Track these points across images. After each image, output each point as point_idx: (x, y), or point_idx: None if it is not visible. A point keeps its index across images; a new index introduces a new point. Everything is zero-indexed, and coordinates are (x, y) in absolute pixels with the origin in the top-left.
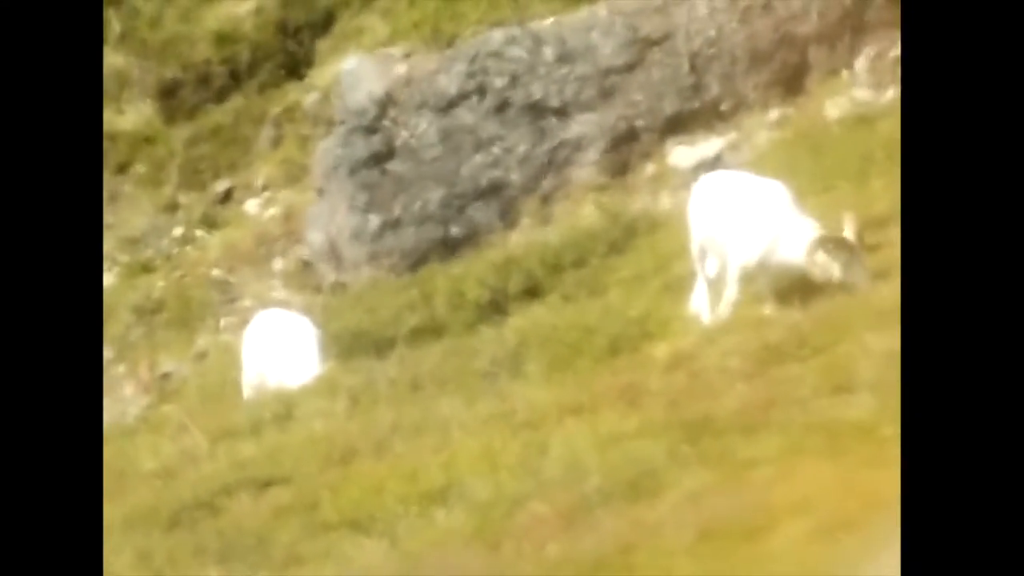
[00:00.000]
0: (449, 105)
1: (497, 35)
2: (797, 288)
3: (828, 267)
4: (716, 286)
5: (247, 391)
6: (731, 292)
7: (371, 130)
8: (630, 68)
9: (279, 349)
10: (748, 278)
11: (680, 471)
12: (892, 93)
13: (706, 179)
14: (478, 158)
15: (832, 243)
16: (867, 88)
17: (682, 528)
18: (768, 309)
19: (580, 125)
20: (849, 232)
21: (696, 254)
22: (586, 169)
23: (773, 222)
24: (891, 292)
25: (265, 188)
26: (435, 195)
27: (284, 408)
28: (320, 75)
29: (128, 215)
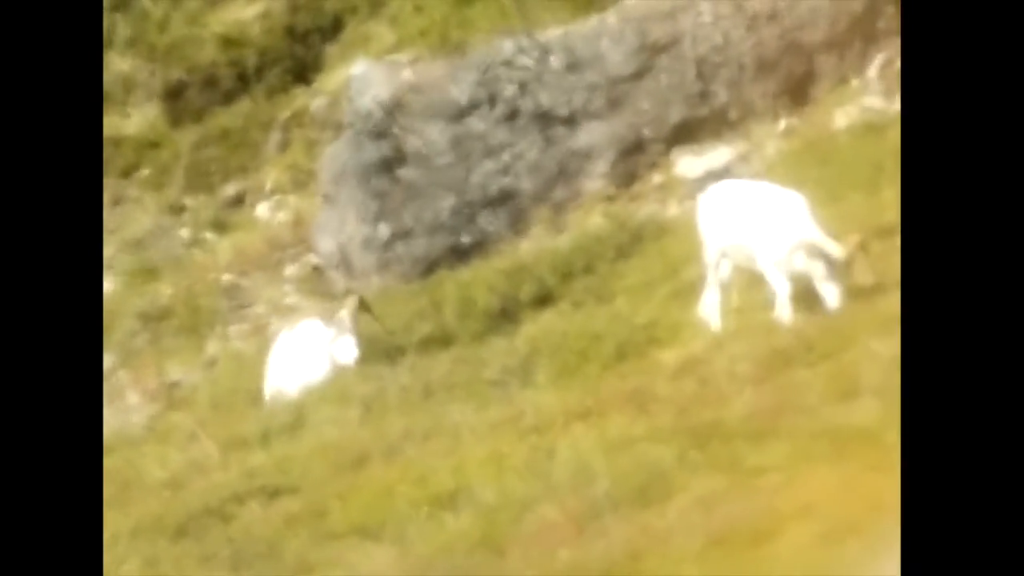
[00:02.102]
0: (459, 113)
1: (507, 44)
2: (804, 295)
3: (806, 275)
4: (727, 291)
5: (268, 395)
6: (781, 289)
7: (379, 135)
8: (638, 76)
9: (300, 360)
10: (788, 273)
11: (688, 476)
12: None
13: (716, 188)
14: (488, 165)
15: (815, 252)
16: (877, 96)
17: (691, 533)
18: (776, 315)
19: (588, 134)
20: (843, 250)
21: (712, 260)
22: (595, 178)
23: (781, 220)
24: (898, 299)
25: (273, 192)
26: (446, 204)
27: (295, 416)
28: (328, 80)
29: (133, 219)
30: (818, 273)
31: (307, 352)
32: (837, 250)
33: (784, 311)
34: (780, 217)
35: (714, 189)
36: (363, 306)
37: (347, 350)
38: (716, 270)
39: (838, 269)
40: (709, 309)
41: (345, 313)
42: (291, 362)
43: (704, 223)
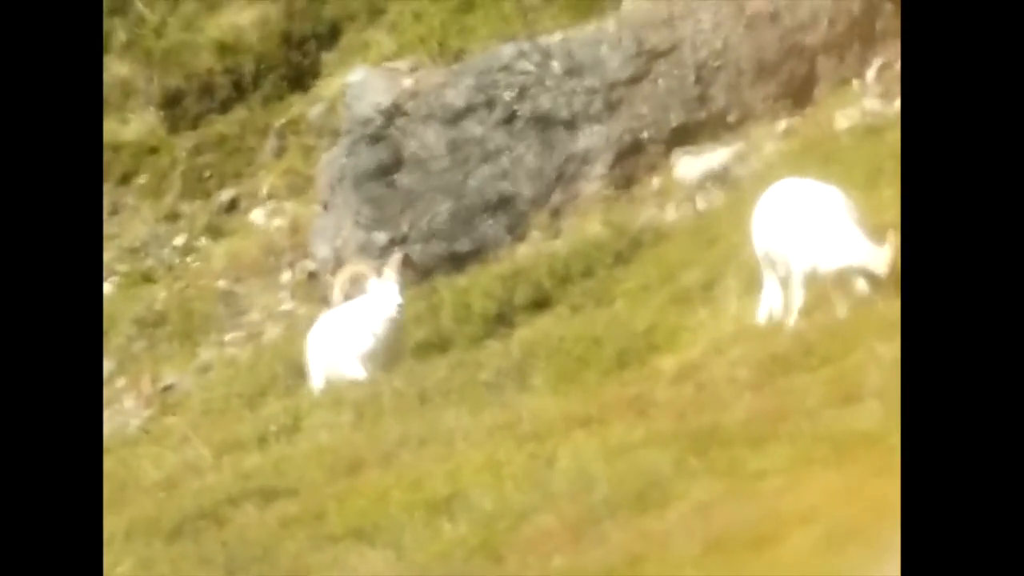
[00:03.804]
0: (457, 118)
1: (507, 50)
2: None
3: (857, 286)
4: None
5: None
6: (797, 298)
7: (378, 141)
8: (636, 80)
9: (342, 347)
10: (811, 283)
11: (688, 482)
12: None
13: (775, 187)
14: (486, 170)
15: (864, 272)
16: (876, 98)
17: (690, 539)
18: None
19: (587, 138)
20: (888, 252)
21: (762, 262)
22: (592, 181)
23: (827, 230)
24: (899, 302)
25: (269, 199)
26: (443, 209)
27: (290, 420)
28: (326, 87)
29: (131, 225)
30: (867, 285)
31: (352, 328)
32: (883, 267)
33: (792, 319)
34: (830, 230)
35: (768, 192)
36: (408, 263)
37: (391, 299)
38: (771, 271)
39: (886, 280)
40: (764, 312)
41: (390, 267)
42: (337, 343)
43: (754, 226)
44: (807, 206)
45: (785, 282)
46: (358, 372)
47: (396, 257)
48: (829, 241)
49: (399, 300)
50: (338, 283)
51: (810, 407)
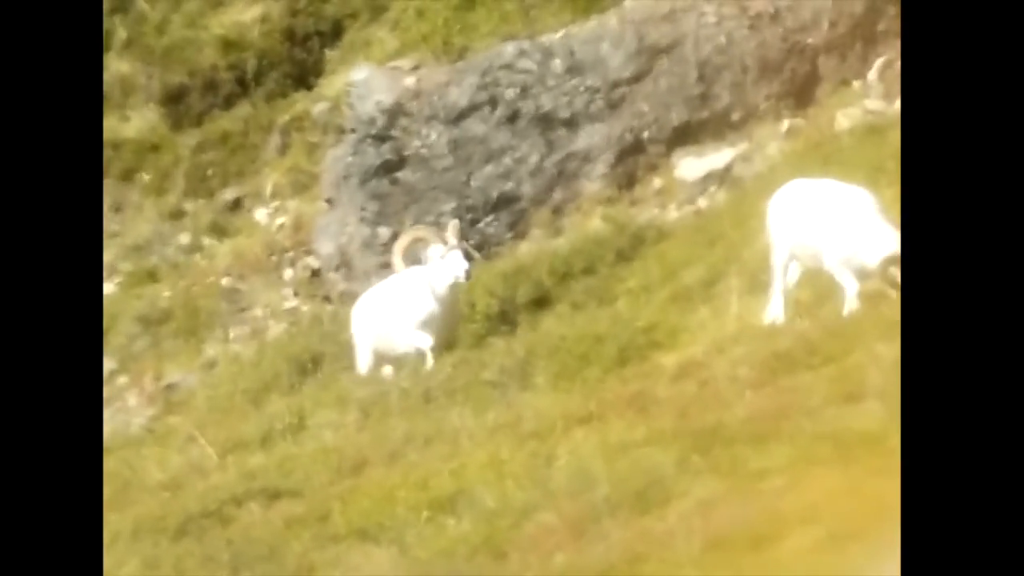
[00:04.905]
0: (460, 116)
1: (508, 48)
2: (810, 296)
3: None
4: (792, 293)
5: (363, 364)
6: (851, 285)
7: (381, 139)
8: (638, 78)
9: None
10: (859, 272)
11: (689, 481)
12: None
13: (785, 188)
14: (489, 169)
15: None
16: (877, 98)
17: (690, 538)
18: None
19: (588, 136)
20: None
21: (780, 263)
22: (594, 180)
23: (860, 225)
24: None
25: (273, 196)
26: (446, 207)
27: (295, 419)
28: (329, 84)
29: (133, 223)
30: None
31: (408, 298)
32: None
33: (851, 307)
34: (850, 216)
35: (783, 190)
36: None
37: (457, 263)
38: (784, 272)
39: None
40: (775, 311)
41: (451, 232)
42: (390, 314)
43: (773, 224)
44: (836, 204)
45: (799, 281)
46: (422, 340)
47: (454, 224)
48: (864, 237)
49: (467, 264)
50: (398, 249)
51: (812, 406)
